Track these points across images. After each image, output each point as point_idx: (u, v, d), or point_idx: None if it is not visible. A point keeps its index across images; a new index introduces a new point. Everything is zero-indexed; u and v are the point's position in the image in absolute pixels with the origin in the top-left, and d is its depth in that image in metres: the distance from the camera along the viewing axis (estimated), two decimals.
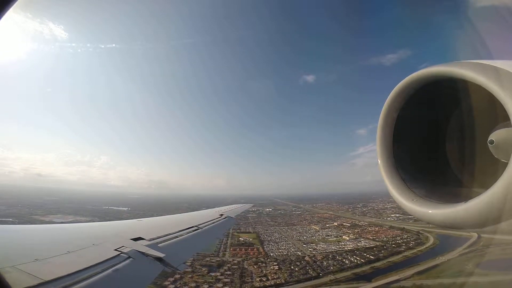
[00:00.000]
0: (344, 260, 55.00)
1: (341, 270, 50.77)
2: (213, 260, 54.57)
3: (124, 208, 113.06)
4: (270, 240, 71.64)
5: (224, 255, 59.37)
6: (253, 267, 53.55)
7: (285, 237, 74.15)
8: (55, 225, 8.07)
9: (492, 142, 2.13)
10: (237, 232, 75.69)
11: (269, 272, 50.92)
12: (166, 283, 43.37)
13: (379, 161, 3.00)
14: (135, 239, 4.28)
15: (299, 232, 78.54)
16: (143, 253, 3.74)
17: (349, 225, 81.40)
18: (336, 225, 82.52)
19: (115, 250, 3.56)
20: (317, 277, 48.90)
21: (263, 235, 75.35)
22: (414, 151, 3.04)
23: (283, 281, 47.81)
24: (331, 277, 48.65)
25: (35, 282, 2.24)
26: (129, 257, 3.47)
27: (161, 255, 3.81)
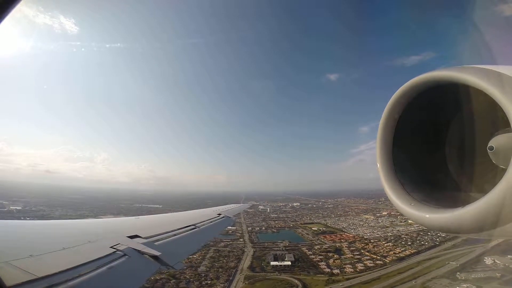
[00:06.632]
0: (437, 234, 57.97)
1: (447, 241, 55.43)
2: (325, 247, 58.72)
3: (157, 206, 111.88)
4: (345, 227, 73.78)
5: (323, 242, 62.55)
6: (368, 245, 57.76)
7: (354, 224, 76.39)
8: (50, 221, 8.02)
9: (491, 148, 2.12)
10: (302, 224, 79.68)
11: (392, 248, 55.62)
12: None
13: (378, 165, 2.99)
14: (132, 237, 4.25)
15: (360, 221, 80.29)
16: (139, 251, 3.72)
17: (398, 213, 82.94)
18: (386, 214, 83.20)
19: (110, 247, 3.54)
20: (436, 245, 54.96)
21: (331, 224, 78.13)
22: (413, 155, 3.02)
23: (414, 251, 53.66)
24: (449, 243, 54.26)
25: (29, 278, 2.22)
26: (125, 254, 3.45)
27: (157, 253, 3.79)
